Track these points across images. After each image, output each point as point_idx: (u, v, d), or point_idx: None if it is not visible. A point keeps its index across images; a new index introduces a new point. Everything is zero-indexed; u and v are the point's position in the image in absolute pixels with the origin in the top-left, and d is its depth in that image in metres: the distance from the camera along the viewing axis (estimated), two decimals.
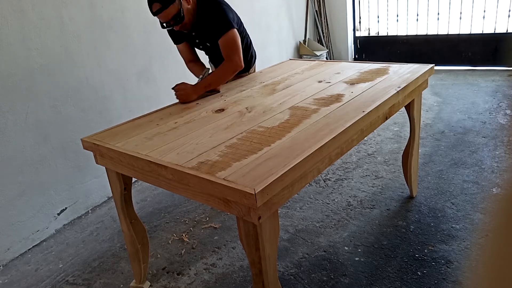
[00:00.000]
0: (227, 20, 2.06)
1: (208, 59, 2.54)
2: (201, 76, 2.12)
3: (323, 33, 5.43)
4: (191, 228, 2.43)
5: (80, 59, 2.62)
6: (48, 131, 2.48)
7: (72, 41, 2.56)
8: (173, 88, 2.03)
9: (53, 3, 2.43)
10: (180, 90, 2.01)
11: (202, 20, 2.10)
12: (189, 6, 2.02)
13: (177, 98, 2.02)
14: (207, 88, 2.06)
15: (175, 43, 2.30)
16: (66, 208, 2.64)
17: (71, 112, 2.60)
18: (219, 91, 2.14)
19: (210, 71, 2.19)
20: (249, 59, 2.44)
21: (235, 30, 2.10)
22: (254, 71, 2.56)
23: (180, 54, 2.35)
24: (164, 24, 2.04)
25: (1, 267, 2.29)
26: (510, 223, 0.34)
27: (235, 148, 1.40)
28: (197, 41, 2.25)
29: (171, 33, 2.27)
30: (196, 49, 2.38)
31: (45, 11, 2.39)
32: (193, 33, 2.20)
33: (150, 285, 2.01)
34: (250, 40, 2.46)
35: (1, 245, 2.30)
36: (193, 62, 2.34)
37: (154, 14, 1.94)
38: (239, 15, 2.31)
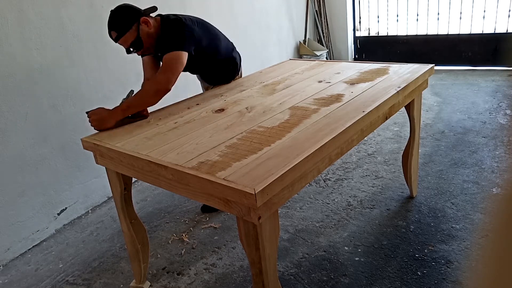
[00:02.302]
0: (181, 43, 1.92)
1: (197, 77, 2.50)
2: (123, 98, 1.86)
3: (323, 33, 5.43)
4: (191, 228, 2.43)
5: (80, 59, 2.62)
6: (48, 131, 2.48)
7: (72, 41, 2.56)
8: (86, 112, 1.79)
9: (53, 3, 2.43)
10: (94, 115, 1.75)
11: (163, 39, 1.97)
12: (150, 30, 1.92)
13: (91, 125, 1.75)
14: (125, 112, 1.77)
15: (142, 57, 2.15)
16: (66, 208, 2.64)
17: (71, 112, 2.60)
18: (146, 117, 1.85)
19: (135, 93, 1.91)
20: (231, 68, 2.37)
21: (183, 53, 1.90)
22: (241, 76, 2.48)
23: (143, 67, 2.17)
24: (127, 50, 1.96)
25: (1, 267, 2.29)
26: (510, 223, 0.34)
27: (235, 148, 1.40)
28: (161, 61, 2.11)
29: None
30: None
31: (45, 11, 2.39)
32: (159, 54, 2.06)
33: (150, 285, 2.01)
34: (233, 48, 2.37)
35: (1, 245, 2.30)
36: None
37: (114, 41, 1.91)
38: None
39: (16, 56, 2.28)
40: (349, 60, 5.50)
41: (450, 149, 3.00)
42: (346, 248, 2.10)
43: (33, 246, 2.45)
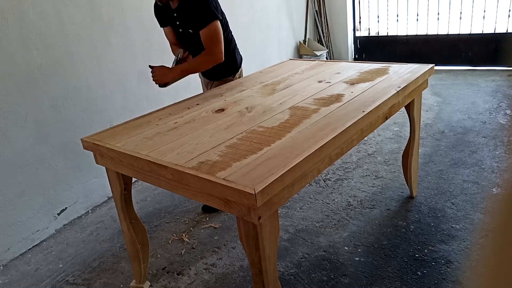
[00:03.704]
0: (210, 11, 2.04)
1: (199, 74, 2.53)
2: (175, 58, 2.20)
3: (323, 33, 5.43)
4: (191, 228, 2.43)
5: (80, 59, 2.62)
6: (48, 131, 2.48)
7: (72, 41, 2.56)
8: (150, 66, 2.15)
9: (53, 3, 2.43)
10: (158, 70, 2.12)
11: (185, 5, 2.08)
12: None
13: (152, 77, 2.13)
14: (183, 73, 2.14)
15: (160, 26, 2.34)
16: (66, 208, 2.64)
17: (71, 112, 2.59)
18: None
19: (184, 52, 2.25)
20: (235, 63, 2.39)
21: (218, 22, 2.08)
22: (241, 75, 2.48)
23: (166, 36, 2.39)
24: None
25: (1, 267, 2.29)
26: (510, 223, 0.34)
27: (235, 148, 1.40)
28: (177, 23, 2.21)
29: (158, 16, 2.30)
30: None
31: (45, 11, 2.39)
32: (175, 14, 2.17)
33: (150, 285, 2.01)
34: (235, 45, 2.41)
35: (1, 245, 2.30)
36: (176, 45, 2.36)
37: None
38: (225, 13, 2.30)
39: (16, 56, 2.28)
40: (349, 60, 5.50)
41: (450, 149, 3.00)
42: (346, 248, 2.10)
43: (33, 246, 2.45)
